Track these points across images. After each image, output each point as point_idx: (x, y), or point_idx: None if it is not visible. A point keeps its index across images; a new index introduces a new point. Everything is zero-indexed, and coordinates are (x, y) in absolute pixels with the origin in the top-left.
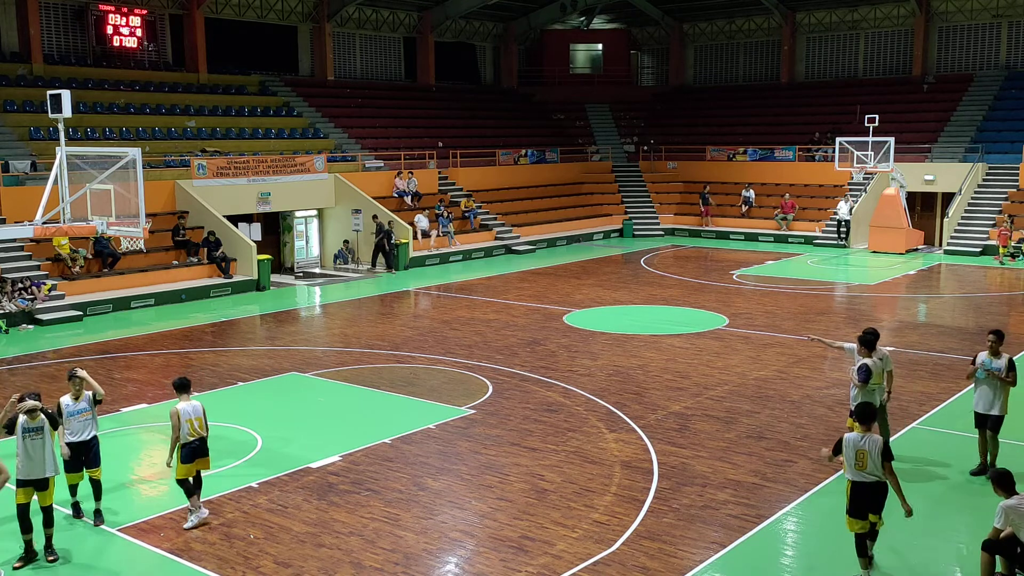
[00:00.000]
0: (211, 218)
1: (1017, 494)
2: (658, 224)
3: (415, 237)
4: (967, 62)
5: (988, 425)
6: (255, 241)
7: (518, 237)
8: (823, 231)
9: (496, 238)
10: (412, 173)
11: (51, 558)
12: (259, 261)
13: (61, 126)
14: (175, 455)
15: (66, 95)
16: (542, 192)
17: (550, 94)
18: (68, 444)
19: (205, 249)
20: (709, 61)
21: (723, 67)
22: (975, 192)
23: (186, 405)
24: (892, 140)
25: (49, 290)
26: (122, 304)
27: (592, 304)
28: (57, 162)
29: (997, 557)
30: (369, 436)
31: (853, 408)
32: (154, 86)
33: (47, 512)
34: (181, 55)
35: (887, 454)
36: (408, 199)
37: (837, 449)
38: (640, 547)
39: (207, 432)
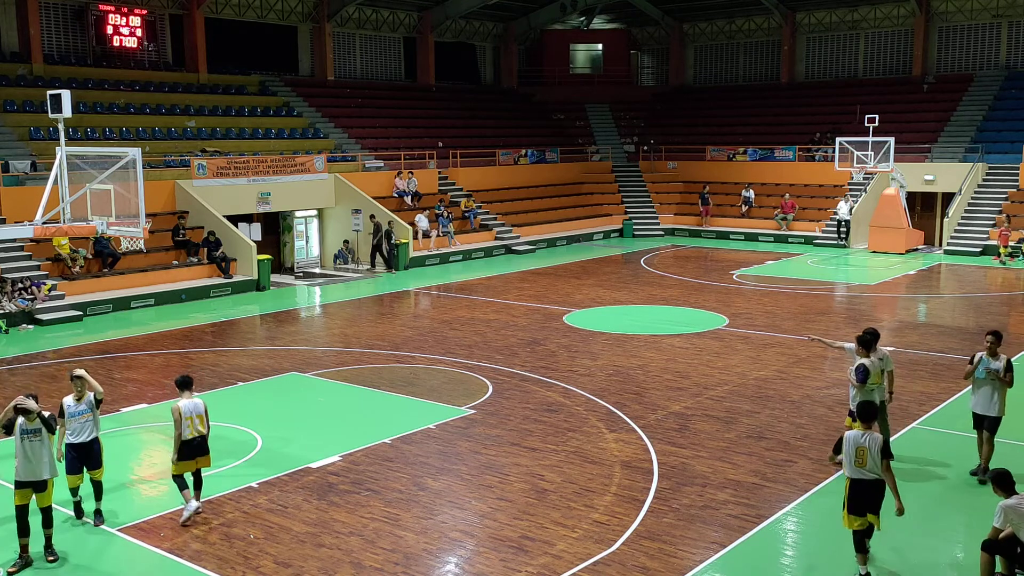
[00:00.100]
0: (211, 218)
1: (1017, 494)
2: (658, 224)
3: (415, 237)
4: (967, 62)
5: (985, 426)
6: (255, 241)
7: (518, 237)
8: (823, 231)
9: (496, 238)
10: (412, 173)
11: (50, 558)
12: (259, 261)
13: (61, 126)
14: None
15: (66, 95)
16: (542, 192)
17: (550, 94)
18: (68, 444)
19: (205, 249)
20: (709, 61)
21: (723, 67)
22: (975, 192)
23: (187, 402)
24: (892, 140)
25: (49, 290)
26: (122, 304)
27: (592, 304)
28: (57, 162)
29: (997, 557)
30: (369, 436)
31: (852, 408)
32: (154, 86)
33: (46, 513)
34: (181, 55)
35: (887, 452)
36: (408, 199)
37: (838, 448)
38: (640, 547)
39: (208, 430)
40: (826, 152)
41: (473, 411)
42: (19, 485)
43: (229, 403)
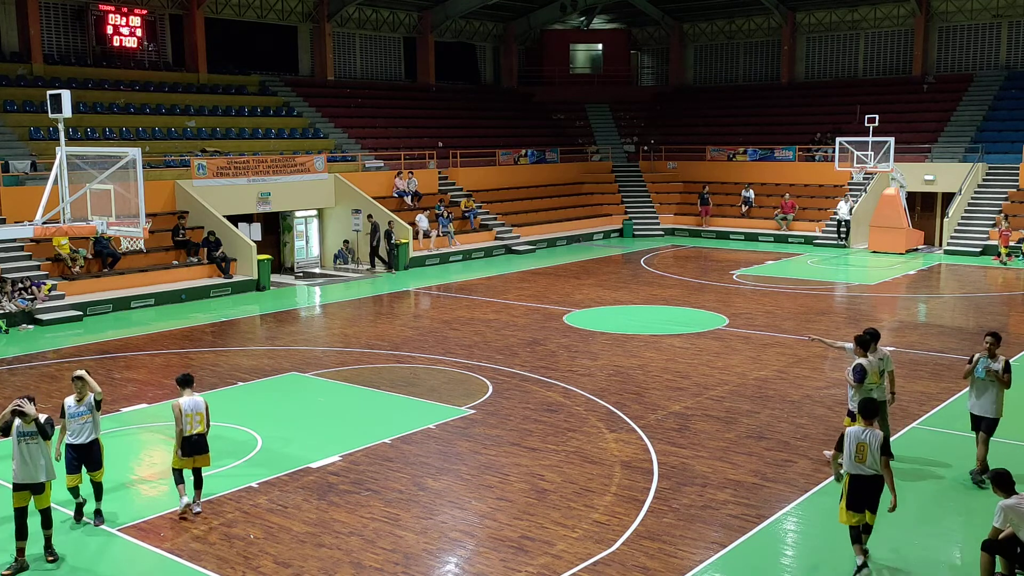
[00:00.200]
0: (211, 218)
1: (1016, 494)
2: (658, 224)
3: (415, 237)
4: (967, 62)
5: (982, 427)
6: (255, 241)
7: (518, 237)
8: (823, 231)
9: (496, 238)
10: (412, 173)
11: (50, 559)
12: (259, 261)
13: (61, 126)
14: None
15: (66, 95)
16: (542, 192)
17: (550, 94)
18: (68, 445)
19: (205, 249)
20: (709, 61)
21: (723, 67)
22: (975, 192)
23: (187, 400)
24: (892, 140)
25: (49, 290)
26: (122, 304)
27: (592, 304)
28: (57, 162)
29: (997, 557)
30: (369, 436)
31: (851, 408)
32: (154, 86)
33: (45, 514)
34: (181, 55)
35: (886, 450)
36: (408, 199)
37: (839, 446)
38: (640, 547)
39: (208, 429)
40: (826, 152)
41: (473, 411)
42: (16, 488)
43: (229, 403)
